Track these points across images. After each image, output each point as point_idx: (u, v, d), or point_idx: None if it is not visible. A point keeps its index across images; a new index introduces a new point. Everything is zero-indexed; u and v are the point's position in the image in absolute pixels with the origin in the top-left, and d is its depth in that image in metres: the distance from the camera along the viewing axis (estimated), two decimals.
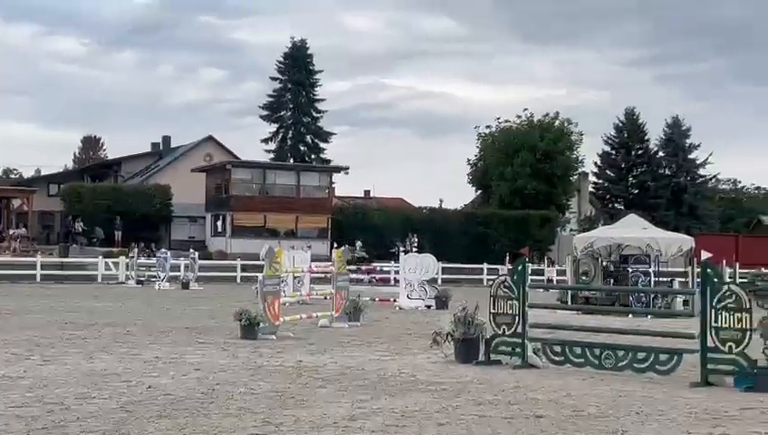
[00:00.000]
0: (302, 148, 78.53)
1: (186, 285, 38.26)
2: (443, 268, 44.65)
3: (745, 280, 12.32)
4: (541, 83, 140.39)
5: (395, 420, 9.31)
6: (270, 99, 79.00)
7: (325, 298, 23.05)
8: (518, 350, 13.67)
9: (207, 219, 61.44)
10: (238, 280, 45.47)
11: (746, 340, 11.66)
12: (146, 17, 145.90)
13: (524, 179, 63.00)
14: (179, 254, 45.34)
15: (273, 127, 78.95)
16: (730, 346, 11.76)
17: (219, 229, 59.25)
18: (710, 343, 11.93)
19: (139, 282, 40.93)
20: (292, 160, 74.25)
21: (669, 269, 32.15)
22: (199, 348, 15.65)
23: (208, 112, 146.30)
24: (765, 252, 66.11)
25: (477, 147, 68.41)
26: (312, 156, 77.97)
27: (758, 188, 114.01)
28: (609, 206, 80.00)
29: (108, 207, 57.36)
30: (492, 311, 13.94)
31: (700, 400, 10.81)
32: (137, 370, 12.67)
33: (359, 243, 53.66)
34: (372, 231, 58.47)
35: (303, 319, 20.01)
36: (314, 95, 79.12)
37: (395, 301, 28.06)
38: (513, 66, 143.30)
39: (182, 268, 42.09)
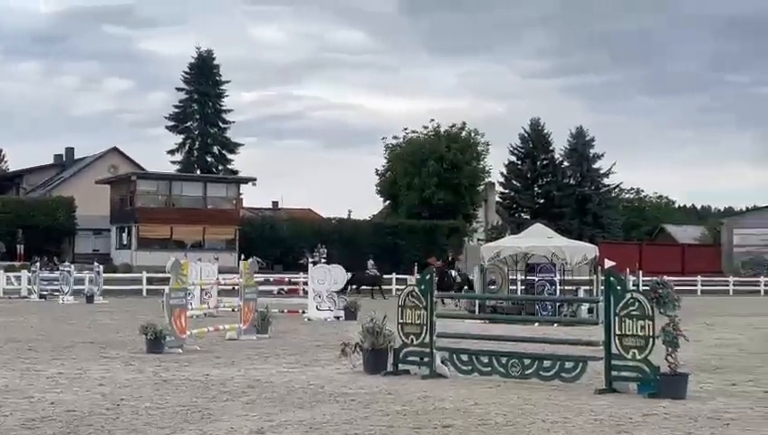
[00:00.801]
0: (209, 159, 77.91)
1: (90, 299, 37.59)
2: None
3: (648, 288, 12.52)
4: (447, 95, 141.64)
5: (303, 432, 9.26)
6: (176, 109, 78.27)
7: (233, 310, 22.85)
8: (426, 359, 13.70)
9: (112, 232, 60.57)
10: (144, 293, 44.83)
11: (649, 347, 11.85)
12: (50, 27, 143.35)
13: (432, 190, 63.37)
14: (84, 267, 44.54)
15: (180, 138, 78.24)
16: (633, 353, 11.94)
17: (124, 242, 58.44)
18: (614, 350, 12.10)
19: (42, 296, 40.10)
20: (198, 172, 73.60)
21: (575, 277, 32.59)
22: (104, 363, 15.37)
23: (113, 123, 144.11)
24: (668, 259, 67.59)
25: (385, 157, 68.66)
26: (220, 167, 77.42)
27: (660, 196, 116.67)
28: (516, 215, 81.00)
29: (10, 220, 56.14)
30: (400, 321, 13.95)
31: (605, 406, 10.96)
32: (39, 386, 12.39)
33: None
34: (281, 242, 58.24)
35: (211, 332, 19.81)
36: (221, 106, 78.60)
37: (304, 312, 27.94)
38: (421, 78, 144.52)
39: (86, 282, 41.32)
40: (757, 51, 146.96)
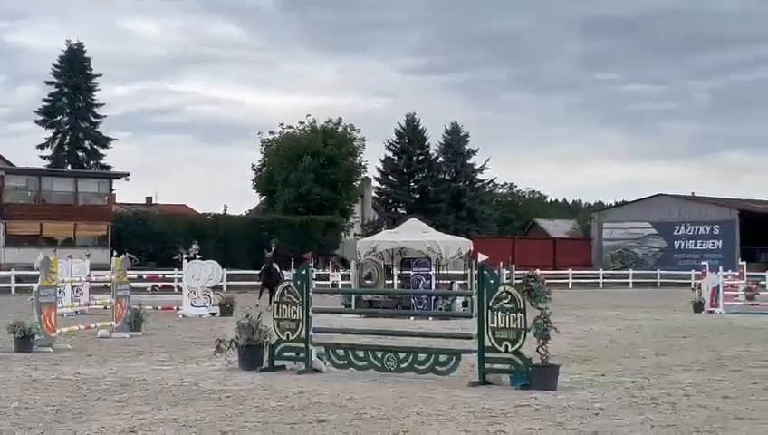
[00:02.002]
0: (80, 154, 76.17)
1: None
2: (227, 275, 44.23)
3: (520, 281, 12.75)
4: (325, 91, 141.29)
5: (176, 430, 9.15)
6: (45, 103, 76.31)
7: (105, 308, 22.44)
8: (302, 355, 13.70)
9: None
10: (13, 291, 43.58)
11: (521, 339, 12.07)
12: None
13: (308, 185, 63.22)
14: None
15: (50, 132, 76.27)
16: (506, 345, 12.14)
17: None
18: (487, 343, 12.29)
19: None
20: (69, 167, 71.90)
21: (450, 272, 32.94)
22: None
23: None
24: (540, 253, 68.90)
25: (261, 153, 68.19)
26: (92, 162, 75.76)
27: (533, 191, 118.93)
28: (392, 210, 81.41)
29: None
30: (276, 317, 13.92)
31: (478, 398, 11.12)
32: None
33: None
34: (154, 238, 57.38)
35: (82, 330, 19.41)
36: (92, 100, 76.93)
37: (178, 309, 27.60)
38: (298, 73, 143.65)
39: None
40: (625, 50, 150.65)
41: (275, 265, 30.10)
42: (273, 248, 30.86)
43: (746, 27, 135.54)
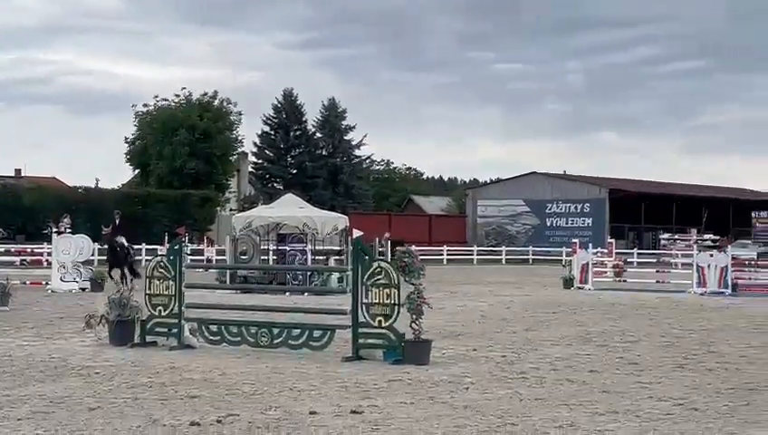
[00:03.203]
0: None
1: None
2: (99, 249, 43.44)
3: (395, 257, 12.83)
4: (202, 64, 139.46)
5: (44, 406, 8.96)
6: None
7: None
8: (174, 331, 13.54)
9: None
10: None
11: (395, 314, 12.15)
12: None
13: (183, 159, 62.41)
14: None
15: None
16: (380, 321, 12.21)
17: None
18: (361, 319, 12.34)
19: None
20: None
21: (326, 247, 32.96)
22: None
23: None
24: (415, 229, 69.44)
25: (135, 126, 66.96)
26: None
27: (409, 168, 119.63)
28: (269, 186, 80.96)
29: None
30: (148, 292, 13.73)
31: (351, 373, 11.16)
32: None
33: None
34: (23, 212, 55.92)
35: None
36: None
37: (47, 284, 26.99)
38: (175, 46, 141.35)
39: None
40: (499, 30, 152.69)
41: (121, 240, 27.33)
42: (116, 222, 28.30)
43: (620, 10, 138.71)
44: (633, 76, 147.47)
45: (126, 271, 26.37)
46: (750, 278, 28.79)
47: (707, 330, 17.26)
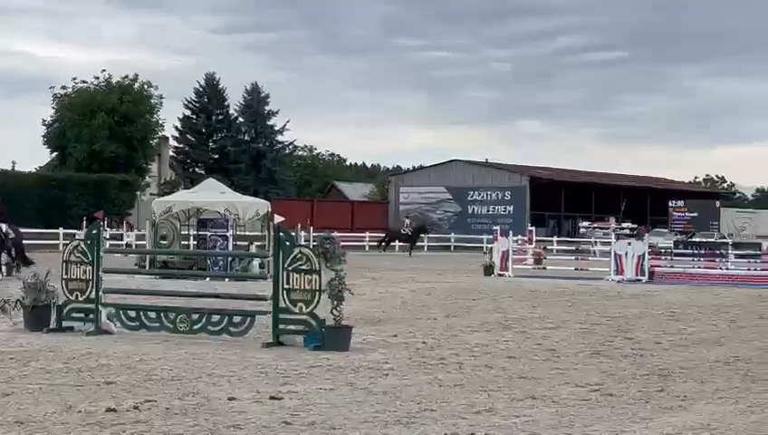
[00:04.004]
0: None
1: None
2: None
3: (316, 243, 12.81)
4: (123, 46, 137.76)
5: None
6: None
7: None
8: (91, 316, 13.38)
9: None
10: None
11: (316, 300, 12.13)
12: None
13: (103, 142, 61.56)
14: None
15: None
16: (301, 307, 12.18)
17: None
18: (282, 305, 12.29)
19: None
20: None
21: (247, 233, 32.79)
22: None
23: None
24: (338, 216, 69.44)
25: (53, 108, 65.85)
26: None
27: (333, 154, 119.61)
28: (190, 170, 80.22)
29: None
30: (64, 277, 13.54)
31: (271, 359, 11.12)
32: None
33: None
34: None
35: None
36: None
37: None
38: (97, 27, 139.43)
39: None
40: (425, 17, 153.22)
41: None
42: None
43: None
44: (556, 65, 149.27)
45: (6, 257, 25.52)
46: (666, 266, 29.32)
47: (624, 317, 17.54)
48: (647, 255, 28.80)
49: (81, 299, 13.43)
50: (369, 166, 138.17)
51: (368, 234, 59.75)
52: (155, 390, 9.08)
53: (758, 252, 29.57)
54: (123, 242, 45.55)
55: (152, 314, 13.39)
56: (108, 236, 43.02)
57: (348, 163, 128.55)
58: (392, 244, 51.03)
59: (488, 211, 71.88)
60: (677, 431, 7.79)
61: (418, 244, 60.61)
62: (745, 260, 29.41)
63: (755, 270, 28.45)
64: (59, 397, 8.63)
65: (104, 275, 13.56)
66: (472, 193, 72.80)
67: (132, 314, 13.48)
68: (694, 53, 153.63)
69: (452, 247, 62.43)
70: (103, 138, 61.56)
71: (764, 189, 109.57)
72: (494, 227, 38.29)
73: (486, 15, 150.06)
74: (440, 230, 69.47)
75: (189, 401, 8.53)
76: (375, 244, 53.91)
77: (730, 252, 30.24)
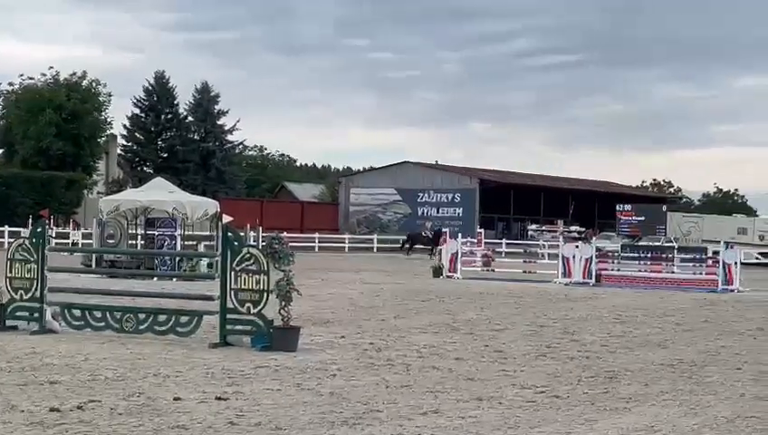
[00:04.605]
0: None
1: None
2: None
3: (265, 243, 12.76)
4: (71, 42, 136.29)
5: None
6: None
7: None
8: (36, 315, 13.23)
9: None
10: None
11: (264, 301, 12.09)
12: None
13: (50, 139, 60.93)
14: None
15: None
16: (248, 307, 12.13)
17: None
18: (230, 305, 12.24)
19: None
20: None
21: (196, 233, 32.60)
22: None
23: None
24: (287, 216, 69.26)
25: (0, 104, 65.12)
26: None
27: (282, 154, 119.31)
28: (139, 169, 79.59)
29: None
30: (8, 275, 13.39)
31: (218, 360, 11.06)
32: None
33: None
34: None
35: None
36: None
37: None
38: (43, 22, 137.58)
39: None
40: (377, 17, 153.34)
41: None
42: None
43: (498, 1, 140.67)
44: (508, 67, 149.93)
45: None
46: (613, 269, 29.56)
47: (571, 319, 17.66)
48: (594, 258, 29.04)
49: (25, 298, 13.27)
50: (319, 166, 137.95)
51: (317, 235, 59.66)
52: (99, 390, 8.99)
53: (703, 256, 29.89)
54: (69, 241, 45.05)
55: (98, 314, 13.26)
56: (54, 235, 42.66)
57: (298, 164, 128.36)
58: (415, 247, 51.68)
59: (438, 213, 72.05)
60: (622, 433, 7.85)
61: (368, 245, 60.79)
62: (691, 264, 29.71)
63: (701, 274, 28.77)
64: (1, 396, 8.52)
65: (49, 274, 13.42)
66: (422, 195, 72.97)
67: (77, 313, 13.34)
68: (645, 58, 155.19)
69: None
70: (50, 135, 60.94)
71: (711, 194, 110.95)
72: (444, 229, 38.39)
73: (439, 17, 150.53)
74: (389, 232, 69.52)
75: (134, 402, 8.45)
76: (398, 246, 54.08)
77: (676, 256, 30.55)
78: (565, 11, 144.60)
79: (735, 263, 28.13)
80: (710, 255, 29.94)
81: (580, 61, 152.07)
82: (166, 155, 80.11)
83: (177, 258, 27.47)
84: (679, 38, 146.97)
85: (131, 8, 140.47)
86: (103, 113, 66.05)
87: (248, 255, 12.26)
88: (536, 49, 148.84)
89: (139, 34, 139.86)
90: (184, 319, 12.81)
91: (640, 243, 46.43)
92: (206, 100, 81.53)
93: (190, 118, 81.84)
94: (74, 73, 64.90)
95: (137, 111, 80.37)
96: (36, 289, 13.22)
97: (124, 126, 79.58)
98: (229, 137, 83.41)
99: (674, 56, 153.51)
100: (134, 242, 31.50)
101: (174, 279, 24.59)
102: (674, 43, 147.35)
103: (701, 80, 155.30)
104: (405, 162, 76.59)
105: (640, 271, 29.35)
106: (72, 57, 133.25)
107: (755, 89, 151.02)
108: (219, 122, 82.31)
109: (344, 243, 61.34)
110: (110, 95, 66.13)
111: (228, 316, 12.26)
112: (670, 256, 30.58)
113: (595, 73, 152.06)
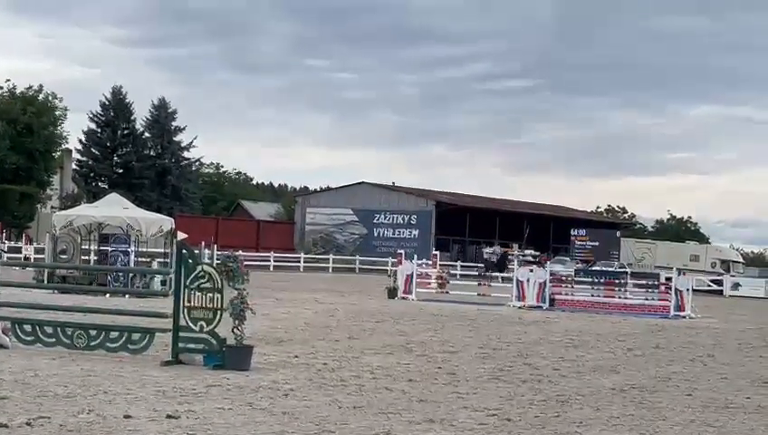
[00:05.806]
0: None
1: None
2: None
3: (219, 262, 12.72)
4: (26, 56, 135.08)
5: None
6: None
7: None
8: None
9: None
10: None
11: (217, 319, 12.04)
12: None
13: (4, 153, 60.36)
14: None
15: None
16: (201, 325, 12.07)
17: None
18: (182, 323, 12.16)
19: None
20: None
21: (149, 249, 32.39)
22: None
23: None
24: (243, 235, 68.96)
25: None
26: None
27: (239, 172, 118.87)
28: (94, 184, 78.94)
29: None
30: None
31: (169, 378, 10.98)
32: None
33: None
34: None
35: None
36: None
37: None
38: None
39: None
40: (334, 37, 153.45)
41: None
42: None
43: (455, 25, 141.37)
44: (464, 91, 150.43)
45: None
46: (566, 294, 29.75)
47: (524, 343, 17.74)
48: (548, 282, 29.21)
49: None
50: (275, 185, 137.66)
51: (273, 254, 59.45)
52: (49, 406, 8.90)
53: (656, 282, 30.17)
54: (21, 255, 44.55)
55: (49, 329, 13.13)
56: (5, 249, 42.22)
57: (254, 182, 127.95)
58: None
59: (394, 234, 72.10)
60: None
61: (324, 265, 60.67)
62: (644, 290, 29.97)
63: (653, 300, 29.02)
64: None
65: (0, 289, 13.26)
66: (378, 216, 72.98)
67: (28, 328, 13.20)
68: (598, 85, 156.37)
69: (357, 269, 62.43)
70: (4, 148, 60.40)
71: (664, 221, 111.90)
72: (399, 251, 38.44)
73: (396, 39, 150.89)
74: (345, 252, 69.44)
75: (84, 419, 8.37)
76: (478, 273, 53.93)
77: (629, 281, 30.81)
78: (521, 36, 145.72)
79: (687, 290, 28.44)
80: (663, 281, 30.22)
81: (536, 86, 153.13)
82: (121, 171, 79.55)
83: (131, 275, 27.28)
84: (636, 65, 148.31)
85: (88, 22, 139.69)
86: (59, 128, 65.63)
87: (202, 272, 12.20)
88: (492, 74, 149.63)
89: (94, 49, 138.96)
90: (136, 336, 12.72)
91: (594, 268, 46.75)
92: (162, 116, 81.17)
93: (147, 134, 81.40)
94: (30, 87, 64.48)
95: (93, 125, 79.79)
96: None
97: (80, 141, 79.04)
98: (186, 154, 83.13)
99: (630, 84, 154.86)
100: (87, 258, 31.28)
101: (127, 296, 24.43)
102: (630, 69, 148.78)
103: (656, 107, 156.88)
104: (362, 183, 76.62)
105: (594, 296, 29.56)
106: (26, 70, 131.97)
107: (709, 118, 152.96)
108: (176, 139, 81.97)
109: (299, 262, 61.16)
110: (66, 109, 65.75)
111: (181, 334, 12.18)
112: (623, 281, 30.86)
113: (549, 99, 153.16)
